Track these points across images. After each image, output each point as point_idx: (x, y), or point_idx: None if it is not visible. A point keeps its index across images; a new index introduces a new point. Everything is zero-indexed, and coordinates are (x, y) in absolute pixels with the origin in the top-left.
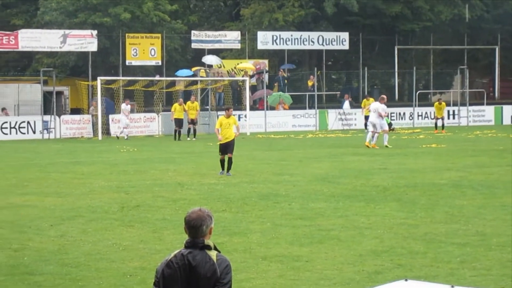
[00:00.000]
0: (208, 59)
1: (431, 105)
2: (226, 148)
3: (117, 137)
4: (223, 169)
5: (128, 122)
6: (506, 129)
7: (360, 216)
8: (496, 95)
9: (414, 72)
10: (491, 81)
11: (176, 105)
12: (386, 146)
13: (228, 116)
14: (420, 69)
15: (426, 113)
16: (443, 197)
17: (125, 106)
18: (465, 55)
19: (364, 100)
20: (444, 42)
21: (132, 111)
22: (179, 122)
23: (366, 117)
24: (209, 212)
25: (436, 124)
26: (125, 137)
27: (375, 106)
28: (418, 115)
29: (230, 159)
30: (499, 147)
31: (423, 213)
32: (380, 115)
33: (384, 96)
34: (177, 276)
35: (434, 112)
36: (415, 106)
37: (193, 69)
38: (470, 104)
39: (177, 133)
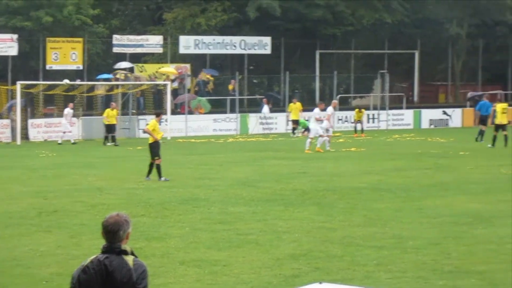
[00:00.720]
0: (122, 65)
1: (352, 109)
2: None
3: (59, 143)
4: (160, 174)
5: (69, 126)
6: (424, 132)
7: (278, 220)
8: (415, 99)
9: (335, 76)
10: (410, 85)
11: (108, 110)
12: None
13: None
14: (341, 73)
15: (346, 117)
16: (361, 200)
17: (68, 110)
18: (385, 59)
19: (291, 104)
20: (365, 47)
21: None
22: (110, 127)
23: (294, 121)
24: (126, 217)
25: (355, 128)
26: (72, 141)
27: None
28: (339, 119)
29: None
30: (417, 150)
31: (342, 217)
32: (320, 120)
33: (335, 101)
34: (93, 282)
35: (354, 116)
36: (336, 110)
37: (115, 73)
38: (390, 108)
39: (108, 138)
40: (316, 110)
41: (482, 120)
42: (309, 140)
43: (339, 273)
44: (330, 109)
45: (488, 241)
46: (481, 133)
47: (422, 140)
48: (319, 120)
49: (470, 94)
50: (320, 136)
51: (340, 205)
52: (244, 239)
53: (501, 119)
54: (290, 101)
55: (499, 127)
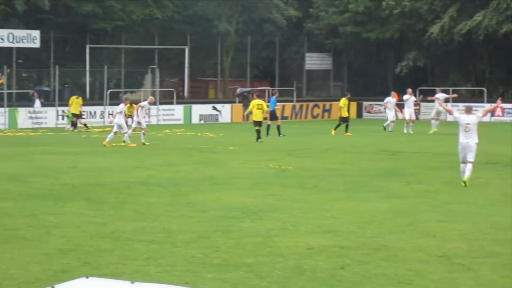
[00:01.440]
0: None
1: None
2: None
3: None
4: None
5: None
6: (194, 128)
7: (47, 215)
8: (186, 94)
9: (106, 71)
10: (181, 81)
11: None
12: (143, 143)
13: None
14: (111, 68)
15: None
16: (131, 195)
17: None
18: (156, 55)
19: (73, 97)
20: (136, 42)
21: None
22: None
23: (75, 115)
24: None
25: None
26: None
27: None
28: (109, 114)
29: None
30: (187, 145)
31: (112, 211)
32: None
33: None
34: None
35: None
36: (106, 104)
37: None
38: (160, 103)
39: None
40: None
41: (273, 115)
42: (112, 134)
43: (108, 267)
44: (145, 103)
45: (255, 234)
46: (278, 128)
47: (192, 135)
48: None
49: (239, 90)
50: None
51: (110, 199)
52: (12, 234)
53: (255, 115)
54: (60, 96)
55: (257, 123)
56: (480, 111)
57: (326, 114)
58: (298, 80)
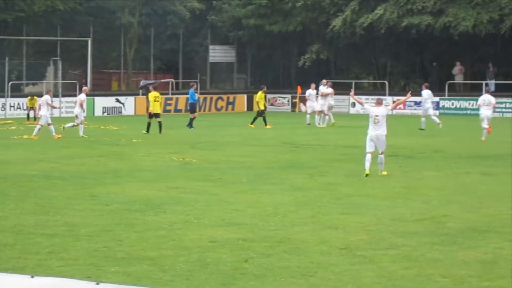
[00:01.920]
0: None
1: (25, 96)
2: None
3: None
4: None
5: None
6: (98, 120)
7: None
8: (89, 86)
9: (7, 63)
10: (84, 73)
11: None
12: (82, 137)
13: None
14: (13, 59)
15: (18, 104)
16: (33, 188)
17: None
18: (58, 46)
19: None
20: (38, 33)
21: None
22: None
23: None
24: None
25: (28, 115)
26: None
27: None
28: (11, 106)
29: None
30: (91, 138)
31: (13, 205)
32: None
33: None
34: None
35: (27, 103)
36: (8, 97)
37: None
38: (63, 96)
39: None
40: (82, 95)
41: (193, 108)
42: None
43: (10, 261)
44: (82, 95)
45: (159, 227)
46: (191, 121)
47: (95, 127)
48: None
49: (142, 82)
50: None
51: (12, 193)
52: None
53: (153, 108)
54: None
55: (153, 115)
56: (390, 104)
57: (230, 106)
58: (202, 72)
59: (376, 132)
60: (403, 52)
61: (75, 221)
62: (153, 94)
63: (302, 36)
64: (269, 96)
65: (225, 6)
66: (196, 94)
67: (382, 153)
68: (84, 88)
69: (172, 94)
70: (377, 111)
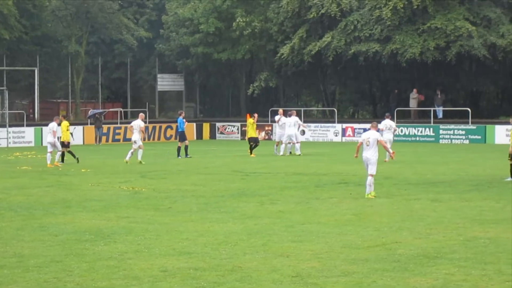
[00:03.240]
0: None
1: None
2: None
3: None
4: None
5: None
6: (46, 150)
7: None
8: (37, 116)
9: None
10: (31, 103)
11: None
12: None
13: None
14: None
15: None
16: None
17: None
18: (4, 76)
19: None
20: None
21: None
22: None
23: None
24: None
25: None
26: None
27: None
28: None
29: None
30: (38, 168)
31: None
32: None
33: None
34: None
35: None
36: None
37: None
38: (10, 126)
39: None
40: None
41: (181, 136)
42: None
43: None
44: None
45: (109, 257)
46: (179, 150)
47: (43, 157)
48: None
49: (91, 111)
50: None
51: None
52: None
53: (65, 137)
54: None
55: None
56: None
57: None
58: (151, 101)
59: (366, 154)
60: (352, 79)
61: (24, 252)
62: (65, 124)
63: (251, 64)
64: (218, 124)
65: (173, 35)
66: (185, 122)
67: (371, 175)
68: (140, 114)
69: (121, 123)
70: (368, 134)
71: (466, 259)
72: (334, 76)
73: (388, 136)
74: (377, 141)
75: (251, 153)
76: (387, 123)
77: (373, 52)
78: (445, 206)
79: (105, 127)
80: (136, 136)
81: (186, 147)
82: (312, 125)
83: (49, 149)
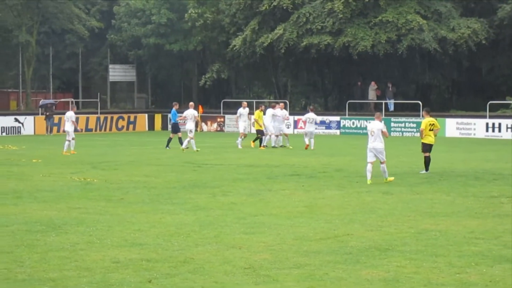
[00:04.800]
0: None
1: None
2: None
3: None
4: None
5: None
6: None
7: None
8: None
9: None
10: None
11: None
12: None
13: None
14: None
15: None
16: None
17: None
18: None
19: None
20: None
21: None
22: None
23: None
24: None
25: None
26: None
27: None
28: None
29: None
30: None
31: None
32: None
33: None
34: None
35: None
36: None
37: None
38: None
39: None
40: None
41: (174, 128)
42: None
43: None
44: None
45: (61, 248)
46: (169, 140)
47: None
48: None
49: (42, 101)
50: None
51: None
52: None
53: None
54: None
55: None
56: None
57: (131, 126)
58: (102, 91)
59: (373, 144)
60: (303, 72)
61: None
62: None
63: (202, 56)
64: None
65: (125, 25)
66: (177, 114)
67: (382, 163)
68: (190, 103)
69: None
70: (372, 125)
71: (417, 251)
72: (286, 68)
73: (310, 129)
74: (381, 131)
75: (260, 145)
76: (310, 116)
77: (325, 44)
78: (396, 198)
79: (56, 117)
80: (191, 125)
81: (179, 139)
82: (264, 116)
83: (69, 137)
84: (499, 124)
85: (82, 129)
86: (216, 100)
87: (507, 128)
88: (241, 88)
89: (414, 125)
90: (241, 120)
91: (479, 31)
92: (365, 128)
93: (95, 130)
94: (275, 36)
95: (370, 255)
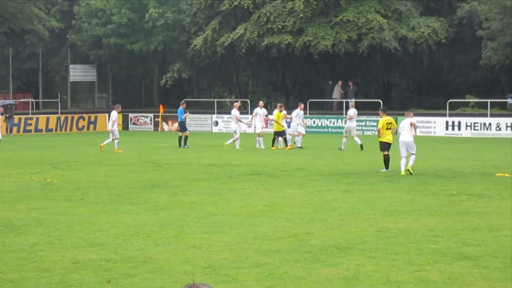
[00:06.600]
0: None
1: None
2: None
3: None
4: None
5: None
6: None
7: None
8: None
9: None
10: None
11: None
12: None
13: None
14: None
15: None
16: None
17: None
18: None
19: None
20: None
21: None
22: None
23: None
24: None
25: None
26: None
27: None
28: None
29: None
30: None
31: None
32: None
33: None
34: None
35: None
36: None
37: None
38: None
39: None
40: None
41: (181, 126)
42: None
43: None
44: (235, 111)
45: (19, 249)
46: (180, 140)
47: None
48: None
49: (1, 102)
50: None
51: None
52: None
53: None
54: None
55: None
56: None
57: (91, 126)
58: (63, 92)
59: (404, 138)
60: (265, 71)
61: None
62: None
63: (163, 55)
64: (131, 115)
65: (85, 25)
66: (183, 113)
67: (413, 154)
68: (235, 104)
69: (32, 113)
70: (403, 122)
71: (377, 249)
72: (247, 68)
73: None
74: (411, 124)
75: (287, 145)
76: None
77: (286, 44)
78: (356, 197)
79: (16, 117)
80: (234, 126)
81: (186, 138)
82: (225, 116)
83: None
84: (459, 122)
85: (42, 129)
86: (177, 100)
87: (467, 126)
88: (202, 88)
89: (375, 123)
90: (257, 120)
91: (439, 30)
92: (326, 127)
93: (56, 130)
94: (236, 35)
95: (330, 254)
